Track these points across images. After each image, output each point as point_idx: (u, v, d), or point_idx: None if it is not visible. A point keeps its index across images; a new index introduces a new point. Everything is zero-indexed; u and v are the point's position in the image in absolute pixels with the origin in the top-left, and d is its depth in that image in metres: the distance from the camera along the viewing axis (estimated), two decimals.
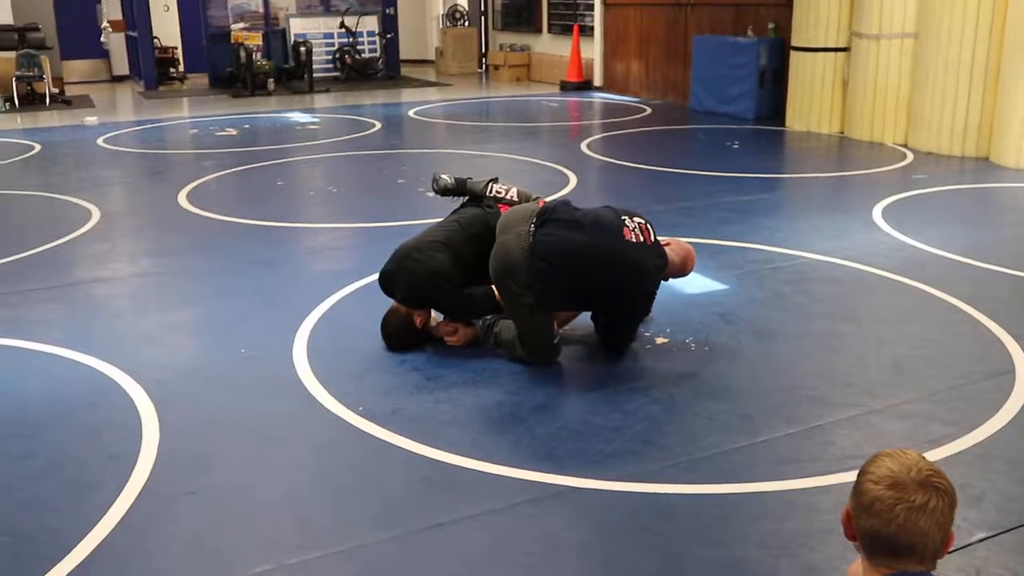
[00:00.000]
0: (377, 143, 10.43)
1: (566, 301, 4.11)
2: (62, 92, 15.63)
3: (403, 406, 3.78)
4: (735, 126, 11.01)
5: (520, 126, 11.86)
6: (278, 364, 4.19)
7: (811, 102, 10.43)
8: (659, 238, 4.20)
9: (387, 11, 17.94)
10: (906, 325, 4.65)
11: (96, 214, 7.06)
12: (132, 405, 3.79)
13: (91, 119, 12.58)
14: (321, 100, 14.78)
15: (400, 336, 4.34)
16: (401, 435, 3.52)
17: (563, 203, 4.19)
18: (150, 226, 6.95)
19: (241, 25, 16.71)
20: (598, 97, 14.42)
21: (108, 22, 13.85)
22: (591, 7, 15.17)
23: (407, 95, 15.30)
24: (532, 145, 10.15)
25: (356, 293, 5.14)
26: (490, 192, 4.57)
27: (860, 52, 9.73)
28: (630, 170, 8.74)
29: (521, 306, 4.02)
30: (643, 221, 4.16)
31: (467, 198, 4.67)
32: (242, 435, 3.58)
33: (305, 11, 17.63)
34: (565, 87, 15.29)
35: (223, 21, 16.96)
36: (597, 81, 15.18)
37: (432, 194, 4.94)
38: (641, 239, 4.08)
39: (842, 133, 10.20)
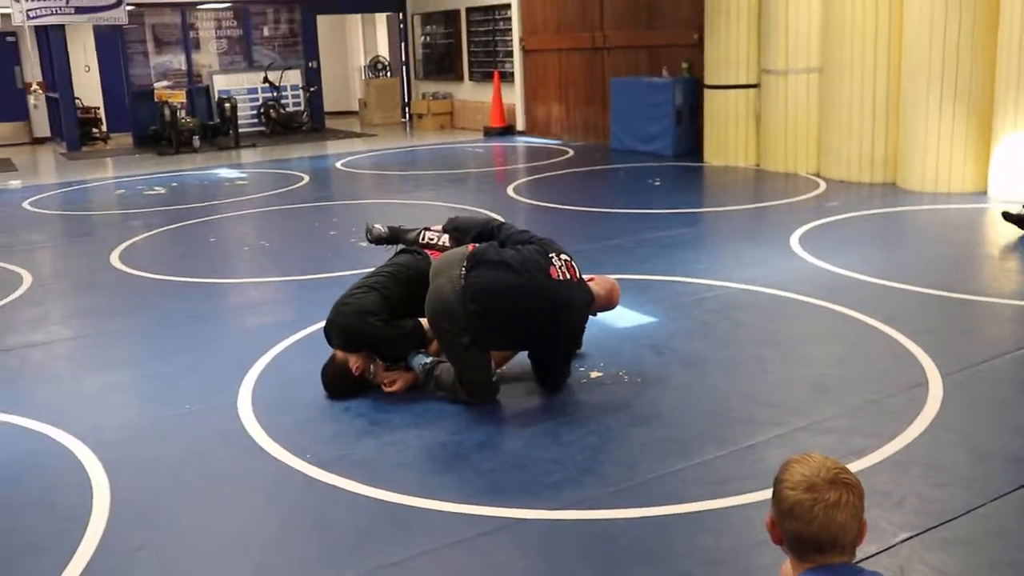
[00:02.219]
0: (306, 196, 10.53)
1: (501, 340, 4.26)
2: None
3: (350, 451, 3.88)
4: (655, 164, 11.37)
5: (446, 173, 12.07)
6: (223, 417, 4.26)
7: (727, 137, 10.85)
8: (584, 275, 4.40)
9: (310, 64, 18.12)
10: (825, 345, 4.91)
11: (27, 278, 7.02)
12: (80, 466, 3.82)
13: (14, 182, 12.47)
14: (248, 155, 14.82)
15: (339, 384, 4.44)
16: (350, 479, 3.61)
17: (491, 246, 4.36)
18: (83, 288, 6.93)
19: (164, 83, 16.71)
20: (521, 141, 14.74)
21: (36, 83, 13.75)
22: (510, 54, 15.54)
23: (333, 147, 15.43)
24: (460, 192, 10.36)
25: (297, 344, 5.22)
26: (422, 239, 4.72)
27: (770, 88, 10.18)
28: (557, 211, 8.99)
29: (459, 347, 4.16)
30: (568, 259, 4.35)
31: (400, 246, 4.81)
32: (192, 489, 3.64)
33: (228, 67, 17.71)
34: (488, 133, 15.59)
35: (146, 80, 16.96)
36: (520, 125, 15.52)
37: (365, 244, 5.08)
38: (567, 276, 4.27)
39: (758, 165, 10.62)
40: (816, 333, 5.18)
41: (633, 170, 11.15)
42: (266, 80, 17.34)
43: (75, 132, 16.64)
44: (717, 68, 10.76)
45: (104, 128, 18.21)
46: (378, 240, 4.84)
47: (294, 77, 17.91)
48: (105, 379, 4.93)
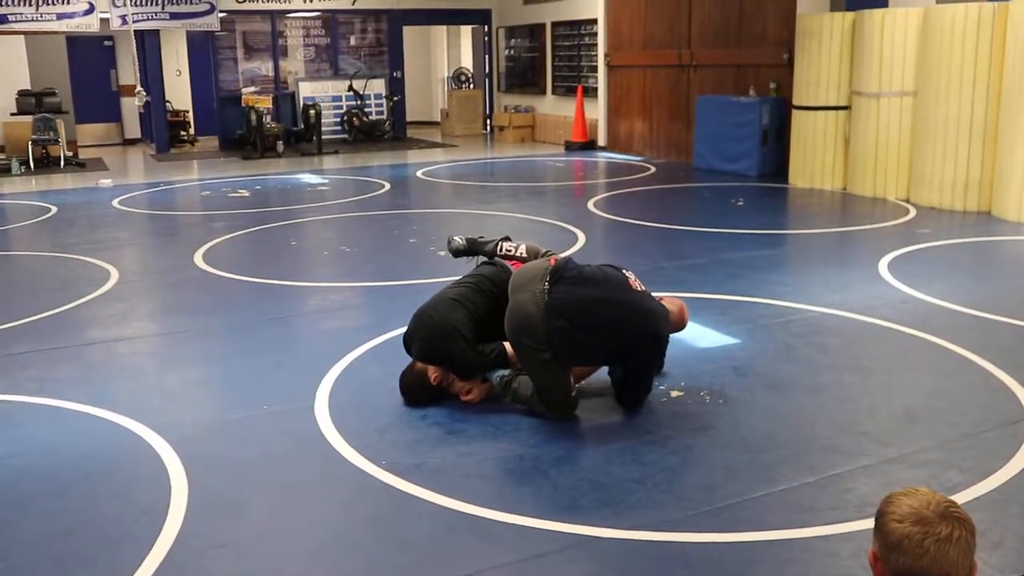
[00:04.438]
0: (386, 203, 10.61)
1: (584, 355, 4.20)
2: (76, 155, 15.92)
3: (426, 459, 3.85)
4: (739, 184, 11.20)
5: (526, 186, 12.06)
6: (301, 419, 4.27)
7: (814, 159, 10.63)
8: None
9: (394, 74, 18.32)
10: (915, 375, 4.74)
11: (114, 274, 7.18)
12: (160, 461, 3.86)
13: (105, 181, 12.81)
14: (330, 162, 15.03)
15: (416, 392, 4.42)
16: (425, 488, 3.58)
17: (570, 260, 4.32)
18: (168, 286, 7.06)
19: (252, 89, 17.05)
20: (602, 157, 14.66)
21: (140, 87, 14.18)
22: (594, 69, 15.49)
23: (413, 156, 15.55)
24: (539, 204, 10.33)
25: (374, 350, 5.23)
26: (501, 251, 4.69)
27: (861, 110, 9.95)
28: (637, 227, 8.89)
29: (539, 362, 4.11)
30: (634, 276, 4.31)
31: (481, 257, 4.79)
32: (269, 489, 3.65)
33: (314, 75, 18.00)
34: (569, 147, 15.54)
35: (233, 85, 17.33)
36: (601, 141, 15.44)
37: (444, 254, 5.07)
38: (644, 288, 4.23)
39: (845, 189, 10.38)
40: (906, 361, 5.00)
41: (716, 189, 11.00)
42: (350, 88, 17.58)
43: (165, 134, 17.08)
44: (807, 89, 10.55)
45: (192, 131, 18.68)
46: (457, 252, 4.83)
47: (378, 86, 18.12)
48: (186, 376, 5.00)
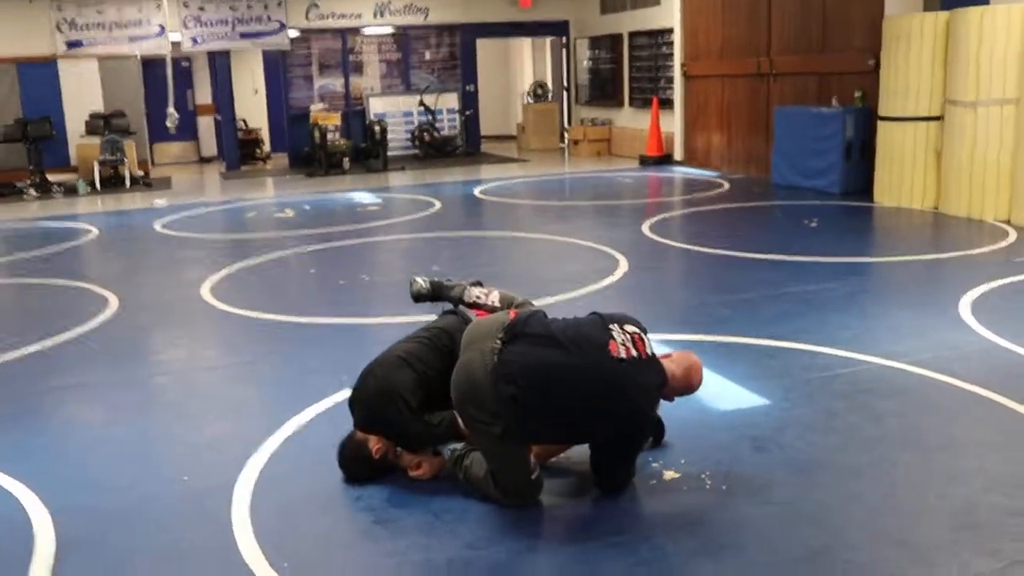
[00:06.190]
0: (430, 225, 9.92)
1: (541, 432, 3.37)
2: (147, 175, 15.82)
3: (333, 563, 3.10)
4: (818, 202, 10.11)
5: (584, 204, 11.24)
6: (217, 498, 3.58)
7: (901, 175, 9.49)
8: (656, 351, 3.46)
9: (467, 88, 17.72)
10: (989, 457, 3.73)
11: (112, 305, 6.71)
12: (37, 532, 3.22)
13: (160, 201, 12.55)
14: (395, 178, 14.51)
15: (356, 466, 3.69)
16: None
17: (536, 314, 3.49)
18: (157, 324, 6.46)
19: (320, 106, 16.70)
20: (677, 172, 13.69)
21: (171, 108, 14.03)
22: (671, 80, 14.55)
23: (481, 172, 14.88)
24: (589, 226, 9.47)
25: (341, 405, 4.51)
26: (468, 298, 3.91)
27: (955, 121, 8.79)
28: (689, 255, 7.97)
29: (488, 438, 3.32)
30: (636, 331, 3.42)
31: (447, 305, 4.03)
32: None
33: (386, 90, 17.55)
34: (644, 161, 14.63)
35: (305, 102, 17.01)
36: (677, 155, 14.48)
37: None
38: (634, 354, 3.34)
39: (936, 209, 9.21)
40: (978, 438, 3.97)
41: (791, 208, 9.94)
42: (421, 103, 17.07)
43: (234, 152, 16.90)
44: (894, 98, 9.42)
45: (266, 148, 18.48)
46: (418, 297, 4.07)
47: (451, 100, 17.56)
48: (107, 433, 4.37)
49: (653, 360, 3.41)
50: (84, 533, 3.36)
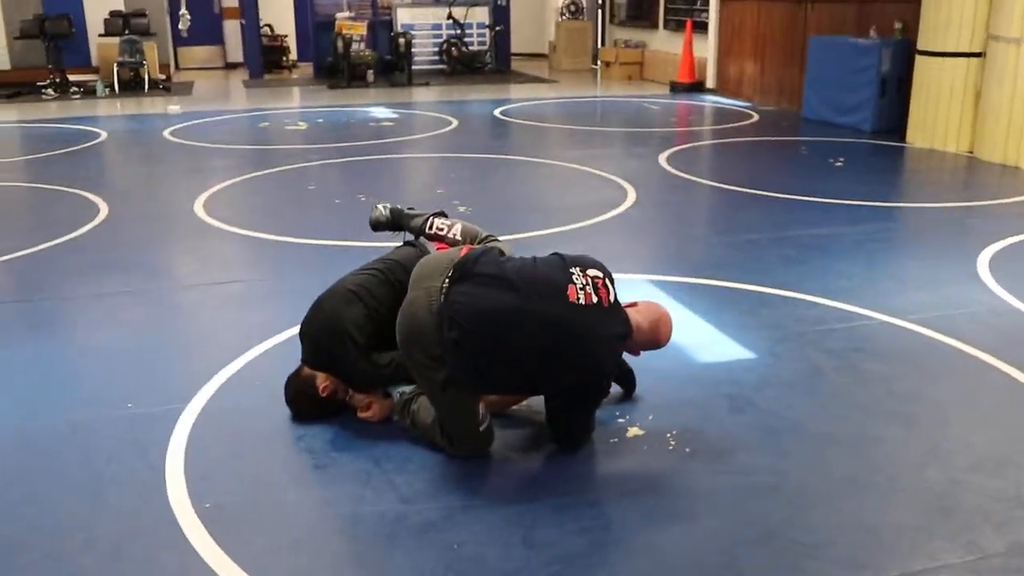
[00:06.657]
0: (440, 145, 9.62)
1: (489, 381, 3.13)
2: (168, 79, 15.57)
3: (261, 506, 2.93)
4: (848, 140, 9.65)
5: (606, 131, 10.84)
6: (157, 429, 3.42)
7: (936, 116, 9.00)
8: (622, 299, 3.20)
9: (499, 2, 17.13)
10: (979, 431, 3.46)
11: (103, 213, 6.56)
12: None
13: (174, 108, 12.31)
14: (418, 94, 14.15)
15: (302, 403, 3.50)
16: (231, 557, 2.66)
17: (490, 251, 3.23)
18: (143, 238, 6.29)
19: (346, 14, 16.23)
20: (708, 101, 13.19)
21: (184, 10, 13.63)
22: (708, 1, 13.92)
23: (507, 91, 14.46)
24: (606, 154, 9.11)
25: None
26: (430, 228, 3.66)
27: (997, 58, 8.27)
28: (702, 189, 7.63)
29: (433, 384, 3.10)
30: (600, 275, 3.15)
31: (407, 235, 3.78)
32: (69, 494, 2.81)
33: (415, 1, 17.02)
34: (675, 88, 14.11)
35: (331, 9, 16.53)
36: (709, 82, 13.94)
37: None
38: (595, 300, 3.08)
39: (971, 153, 8.74)
40: (977, 408, 3.69)
41: (818, 145, 9.50)
42: (450, 16, 16.55)
43: (258, 60, 16.56)
44: (935, 31, 8.88)
45: (293, 56, 18.10)
46: (376, 225, 3.83)
47: (481, 15, 17.01)
48: (63, 352, 4.22)
49: (616, 308, 3.15)
50: (5, 457, 3.22)
